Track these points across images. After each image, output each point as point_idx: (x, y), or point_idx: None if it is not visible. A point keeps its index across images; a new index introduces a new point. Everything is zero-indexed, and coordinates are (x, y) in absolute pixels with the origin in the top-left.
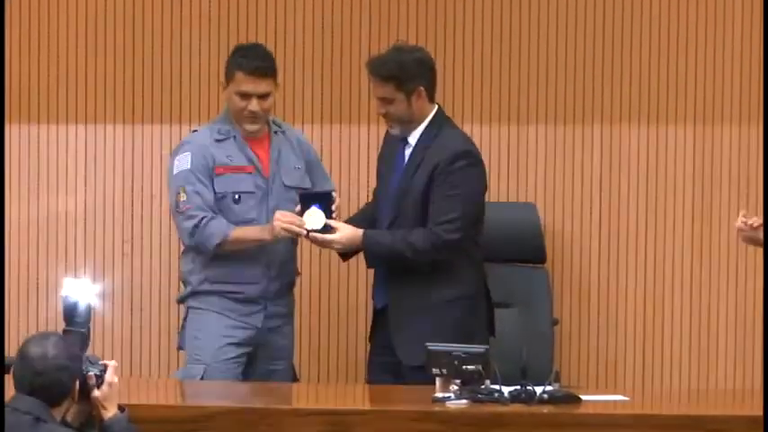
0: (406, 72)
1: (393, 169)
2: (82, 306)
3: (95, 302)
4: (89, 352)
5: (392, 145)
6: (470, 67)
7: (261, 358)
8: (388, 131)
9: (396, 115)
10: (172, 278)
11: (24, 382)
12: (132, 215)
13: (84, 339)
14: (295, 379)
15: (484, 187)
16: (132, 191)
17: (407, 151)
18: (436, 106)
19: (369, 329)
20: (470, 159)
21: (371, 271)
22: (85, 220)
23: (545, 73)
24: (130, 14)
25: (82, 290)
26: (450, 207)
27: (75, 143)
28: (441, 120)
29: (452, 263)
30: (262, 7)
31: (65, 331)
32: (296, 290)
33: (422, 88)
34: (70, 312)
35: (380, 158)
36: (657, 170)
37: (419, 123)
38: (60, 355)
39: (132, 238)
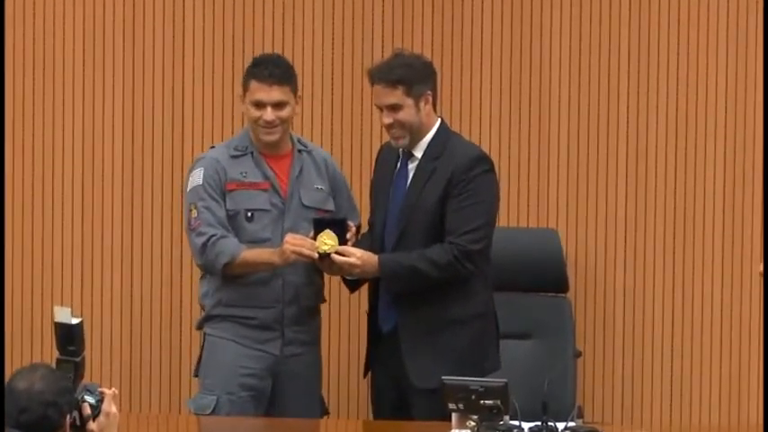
0: (414, 76)
1: (394, 187)
2: (75, 334)
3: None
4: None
5: (387, 165)
6: (489, 85)
7: (282, 389)
8: (379, 153)
9: (405, 122)
10: (173, 303)
11: (11, 418)
12: (132, 234)
13: (79, 369)
14: (324, 412)
15: (499, 195)
16: (132, 207)
17: (411, 165)
18: (440, 118)
19: (366, 359)
20: (487, 165)
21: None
22: (82, 237)
23: (567, 93)
24: (130, 26)
25: (74, 317)
26: (472, 215)
27: (71, 157)
28: (446, 131)
29: (466, 279)
30: (268, 23)
31: (58, 361)
32: None
33: (429, 93)
34: (63, 341)
35: (375, 181)
36: (686, 195)
37: (425, 134)
38: (48, 389)
39: (132, 258)
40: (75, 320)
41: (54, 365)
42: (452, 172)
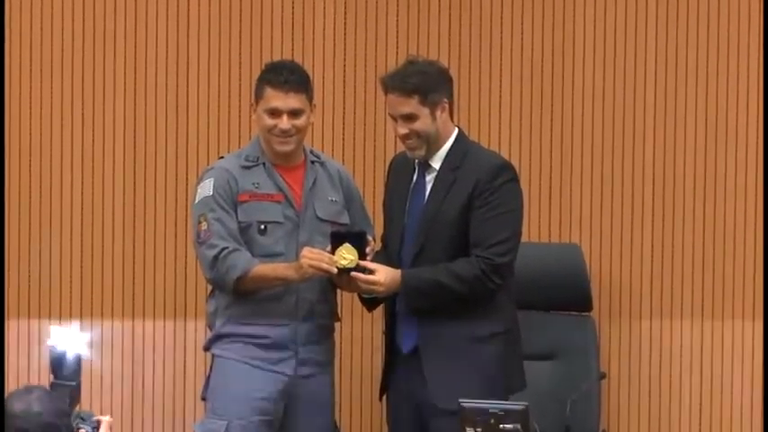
0: (430, 84)
1: (411, 201)
2: (71, 357)
3: (86, 352)
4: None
5: (402, 177)
6: (508, 92)
7: (295, 412)
8: (391, 165)
9: (422, 132)
10: (177, 322)
11: None
12: (134, 248)
13: (74, 394)
14: None
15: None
16: (134, 219)
17: (429, 177)
18: (457, 127)
19: (382, 380)
20: (512, 174)
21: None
22: (82, 251)
23: (591, 99)
24: (132, 31)
25: (70, 339)
26: (498, 227)
27: (70, 168)
28: (465, 140)
29: (491, 294)
30: (277, 28)
31: (52, 385)
32: None
33: (446, 101)
34: (58, 364)
35: (388, 195)
36: (716, 208)
37: (442, 144)
38: (46, 411)
39: (134, 274)
40: (72, 342)
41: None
42: (476, 182)
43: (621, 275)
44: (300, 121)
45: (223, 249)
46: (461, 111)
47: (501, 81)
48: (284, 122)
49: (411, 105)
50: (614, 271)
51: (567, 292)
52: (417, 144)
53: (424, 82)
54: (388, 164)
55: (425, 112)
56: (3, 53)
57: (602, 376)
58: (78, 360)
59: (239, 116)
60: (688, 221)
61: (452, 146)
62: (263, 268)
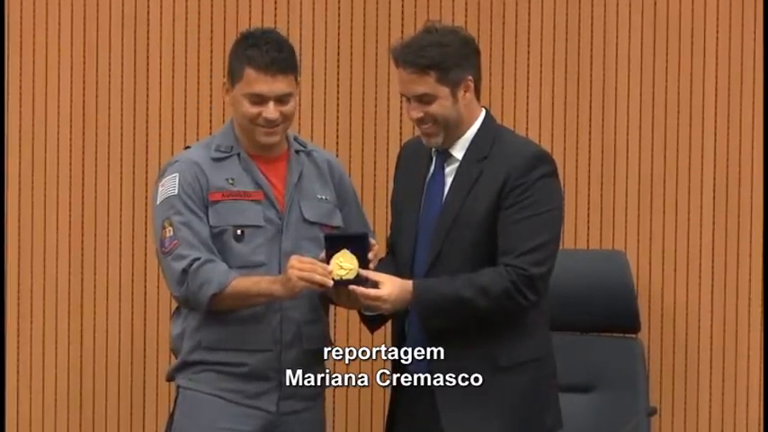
0: (450, 58)
1: (427, 197)
2: None
3: None
4: None
5: (415, 168)
6: (537, 82)
7: None
8: (402, 153)
9: (439, 116)
10: (135, 347)
11: None
12: (83, 256)
13: None
14: None
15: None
16: (83, 222)
17: (449, 168)
18: (484, 109)
19: (388, 416)
20: (550, 166)
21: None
22: (19, 260)
23: (638, 81)
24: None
25: None
26: (533, 231)
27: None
28: (494, 125)
29: (524, 312)
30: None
31: None
32: None
33: (470, 79)
34: None
35: (398, 190)
36: None
37: (465, 129)
38: None
39: (83, 288)
40: None
41: None
42: (506, 175)
43: (676, 290)
44: (288, 108)
45: (194, 261)
46: (486, 92)
47: (529, 57)
48: (271, 111)
49: (427, 84)
50: (666, 284)
51: (610, 310)
52: (434, 130)
53: (443, 56)
54: (394, 152)
55: (444, 92)
56: (3, 47)
57: (653, 412)
58: None
59: (210, 97)
60: (756, 224)
61: (478, 132)
62: (243, 282)
